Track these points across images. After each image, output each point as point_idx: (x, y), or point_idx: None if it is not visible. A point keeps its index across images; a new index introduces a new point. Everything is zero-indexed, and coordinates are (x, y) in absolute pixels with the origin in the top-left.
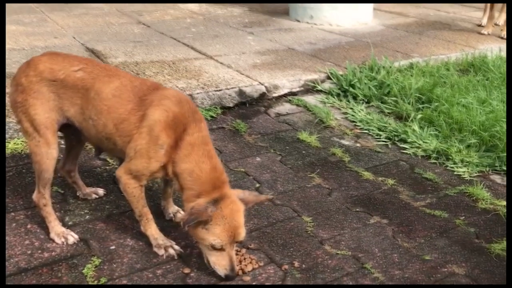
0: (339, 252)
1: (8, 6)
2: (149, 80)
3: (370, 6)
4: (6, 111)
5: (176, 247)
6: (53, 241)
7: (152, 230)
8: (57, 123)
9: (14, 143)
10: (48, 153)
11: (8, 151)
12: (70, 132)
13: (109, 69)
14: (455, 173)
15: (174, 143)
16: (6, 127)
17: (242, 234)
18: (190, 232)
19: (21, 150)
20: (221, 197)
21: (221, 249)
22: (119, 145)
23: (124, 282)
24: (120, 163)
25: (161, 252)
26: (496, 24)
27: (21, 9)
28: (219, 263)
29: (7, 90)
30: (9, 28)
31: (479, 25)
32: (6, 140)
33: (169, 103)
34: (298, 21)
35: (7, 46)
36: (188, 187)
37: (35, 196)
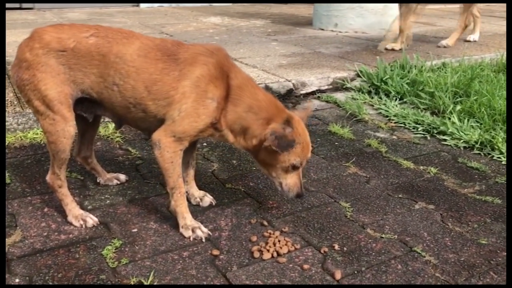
0: (383, 235)
1: (33, 21)
2: (168, 39)
3: (396, 13)
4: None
5: (205, 229)
6: (71, 224)
7: (183, 207)
8: (71, 97)
9: (34, 133)
10: (65, 130)
11: (27, 141)
12: (82, 113)
13: (123, 31)
14: (503, 162)
15: (224, 93)
16: (26, 117)
17: (310, 151)
18: (264, 159)
19: (40, 140)
20: (291, 117)
21: (297, 168)
22: (151, 111)
23: (147, 263)
24: (147, 135)
25: (188, 233)
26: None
27: (46, 24)
28: (293, 183)
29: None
30: None
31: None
32: (26, 130)
33: (204, 58)
34: (322, 29)
35: None
36: (253, 120)
37: (49, 177)
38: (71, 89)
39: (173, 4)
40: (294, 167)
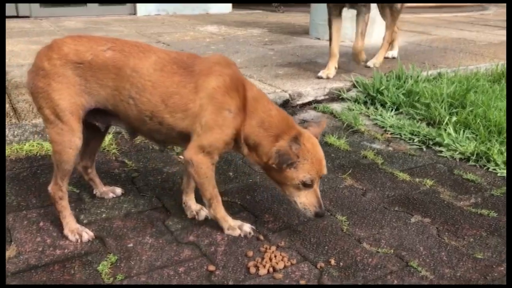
0: (379, 250)
1: (30, 29)
2: (183, 52)
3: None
4: (21, 113)
5: (247, 224)
6: (67, 238)
7: (222, 212)
8: (83, 109)
9: (30, 145)
10: (72, 141)
11: (23, 153)
12: (95, 122)
13: (139, 45)
14: (499, 174)
15: (241, 104)
16: (22, 129)
17: (325, 167)
18: (275, 177)
19: (37, 152)
20: (299, 134)
21: (310, 186)
22: (168, 123)
23: (143, 279)
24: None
25: (236, 232)
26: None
27: (42, 32)
28: (309, 202)
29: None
30: (30, 47)
31: None
32: (22, 142)
33: (220, 68)
34: (319, 38)
35: (26, 62)
36: (263, 137)
37: (51, 188)
38: (85, 101)
39: (170, 12)
40: (305, 185)
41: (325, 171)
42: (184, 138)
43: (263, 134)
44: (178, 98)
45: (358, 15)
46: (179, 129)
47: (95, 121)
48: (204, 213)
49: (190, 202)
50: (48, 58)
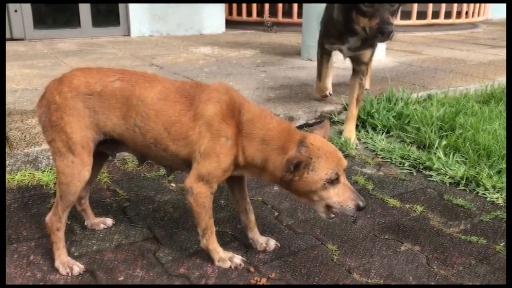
0: (369, 280)
1: (23, 52)
2: (188, 81)
3: (383, 44)
4: (13, 141)
5: (238, 256)
6: (58, 270)
7: (214, 244)
8: (93, 141)
9: (22, 175)
10: (81, 174)
11: (14, 183)
12: (105, 151)
13: (147, 75)
14: (488, 199)
15: (237, 130)
16: (14, 159)
17: (344, 158)
18: (299, 190)
19: (28, 182)
20: (303, 137)
21: (337, 180)
22: (171, 150)
23: None
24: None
25: (227, 264)
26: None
27: (36, 55)
28: (344, 198)
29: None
30: (23, 71)
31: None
32: (13, 172)
33: (218, 94)
34: (311, 60)
35: (20, 87)
36: (268, 151)
37: (49, 218)
38: (95, 133)
39: (164, 33)
40: (331, 181)
41: (344, 162)
42: (189, 164)
43: (266, 149)
44: (179, 126)
45: (354, 74)
46: (182, 156)
47: (105, 150)
48: (273, 242)
49: (256, 236)
50: (59, 91)
